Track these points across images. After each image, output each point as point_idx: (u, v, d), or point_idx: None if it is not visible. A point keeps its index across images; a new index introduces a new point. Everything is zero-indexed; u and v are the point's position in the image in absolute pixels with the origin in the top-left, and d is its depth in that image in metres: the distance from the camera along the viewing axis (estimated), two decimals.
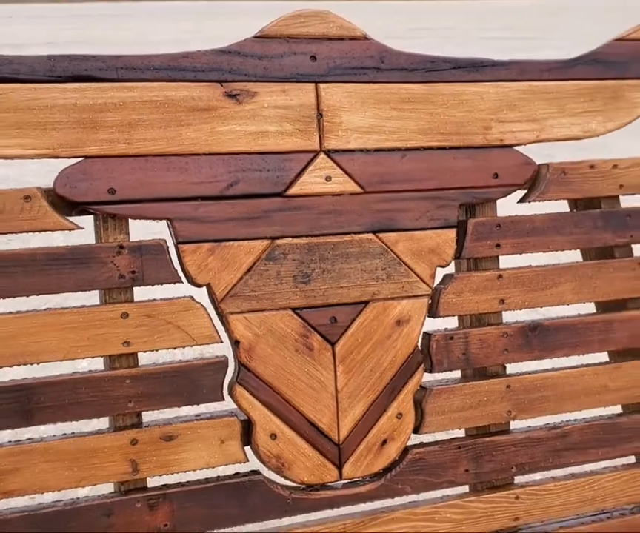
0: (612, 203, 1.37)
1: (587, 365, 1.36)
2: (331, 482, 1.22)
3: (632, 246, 1.39)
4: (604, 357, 1.39)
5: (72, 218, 1.11)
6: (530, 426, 1.33)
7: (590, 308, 1.39)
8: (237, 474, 1.18)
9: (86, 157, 1.11)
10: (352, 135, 1.22)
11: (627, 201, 1.38)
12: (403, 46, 1.32)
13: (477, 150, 1.29)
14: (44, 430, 1.12)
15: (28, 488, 1.08)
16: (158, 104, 1.14)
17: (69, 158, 1.10)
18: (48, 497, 1.12)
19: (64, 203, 1.10)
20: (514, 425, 1.32)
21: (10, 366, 1.08)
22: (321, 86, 1.21)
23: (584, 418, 1.36)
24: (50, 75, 1.09)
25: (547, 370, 1.34)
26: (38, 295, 1.09)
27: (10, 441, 1.09)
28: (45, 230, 1.09)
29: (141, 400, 1.12)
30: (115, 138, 1.12)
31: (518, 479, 1.32)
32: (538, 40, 15.28)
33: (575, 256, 1.37)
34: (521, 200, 1.34)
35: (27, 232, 1.09)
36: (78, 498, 1.11)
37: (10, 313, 1.07)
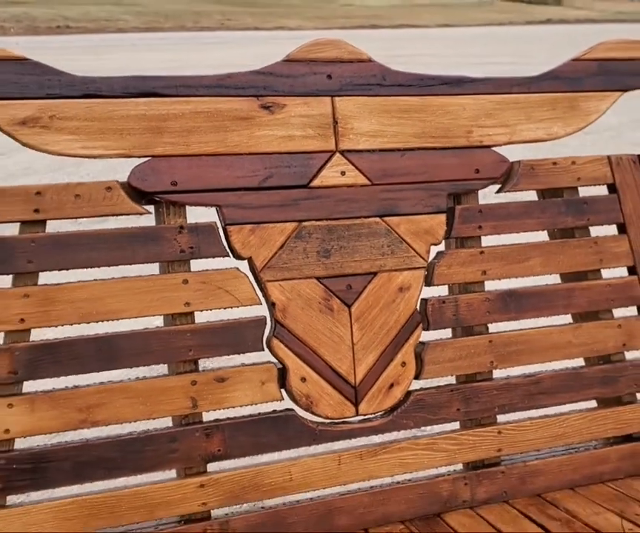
0: (572, 193, 1.67)
1: (555, 325, 1.65)
2: (349, 417, 1.50)
3: (590, 227, 1.68)
4: (568, 318, 1.68)
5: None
6: (509, 375, 1.61)
7: (556, 279, 1.68)
8: (274, 411, 1.46)
9: (153, 156, 1.39)
10: (362, 138, 1.52)
11: (583, 191, 1.68)
12: None
13: (461, 150, 1.59)
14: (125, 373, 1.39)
15: (111, 419, 1.35)
16: (209, 114, 1.42)
17: (140, 157, 1.39)
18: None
19: (136, 193, 1.38)
20: (496, 373, 1.60)
21: (96, 322, 1.35)
22: (336, 99, 1.51)
23: (553, 369, 1.65)
24: (125, 92, 1.38)
25: (522, 329, 1.62)
26: (117, 265, 1.37)
27: (96, 382, 1.36)
28: (122, 214, 1.37)
29: (198, 349, 1.40)
30: (176, 141, 1.40)
31: (500, 417, 1.60)
32: (516, 65, 15.72)
33: (542, 236, 1.66)
34: (499, 191, 1.64)
35: (108, 215, 1.37)
36: (149, 429, 1.39)
37: (96, 280, 1.35)
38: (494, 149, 1.61)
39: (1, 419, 1.29)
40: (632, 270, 1.69)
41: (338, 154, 1.50)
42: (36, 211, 1.32)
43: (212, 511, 1.40)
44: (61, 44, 24.77)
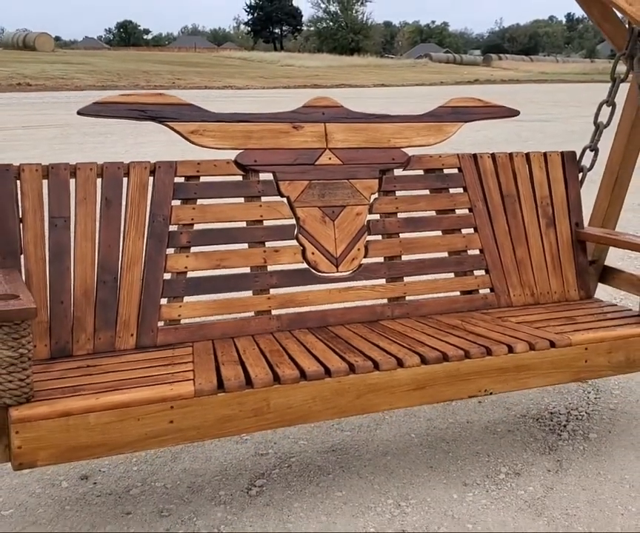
0: (440, 171, 3.38)
1: (432, 236, 3.33)
2: (334, 272, 3.15)
3: (449, 189, 3.39)
4: (439, 233, 3.37)
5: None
6: (409, 258, 3.28)
7: (432, 213, 3.37)
8: (299, 268, 3.10)
9: (246, 149, 3.05)
10: (338, 142, 3.20)
11: (446, 170, 3.39)
12: None
13: (385, 149, 3.28)
14: (236, 246, 3.03)
15: (230, 266, 2.97)
16: (271, 130, 3.09)
17: (240, 149, 3.04)
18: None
19: (238, 165, 3.04)
20: (403, 257, 3.27)
21: (222, 222, 2.98)
22: (327, 124, 3.19)
23: (430, 257, 3.33)
24: (233, 119, 3.05)
25: (416, 237, 3.31)
26: (233, 197, 3.01)
27: (222, 249, 2.98)
28: (233, 175, 3.02)
29: (265, 236, 3.04)
30: (256, 142, 3.06)
31: (406, 278, 3.26)
32: None
33: (425, 192, 3.37)
34: (404, 170, 3.33)
35: (227, 175, 3.02)
36: (245, 272, 3.02)
37: (223, 203, 3.00)
38: (401, 149, 3.32)
39: (183, 262, 2.90)
40: (470, 210, 3.40)
41: (327, 150, 3.18)
42: (197, 171, 2.97)
43: (272, 310, 3.03)
44: (28, 100, 26.11)
